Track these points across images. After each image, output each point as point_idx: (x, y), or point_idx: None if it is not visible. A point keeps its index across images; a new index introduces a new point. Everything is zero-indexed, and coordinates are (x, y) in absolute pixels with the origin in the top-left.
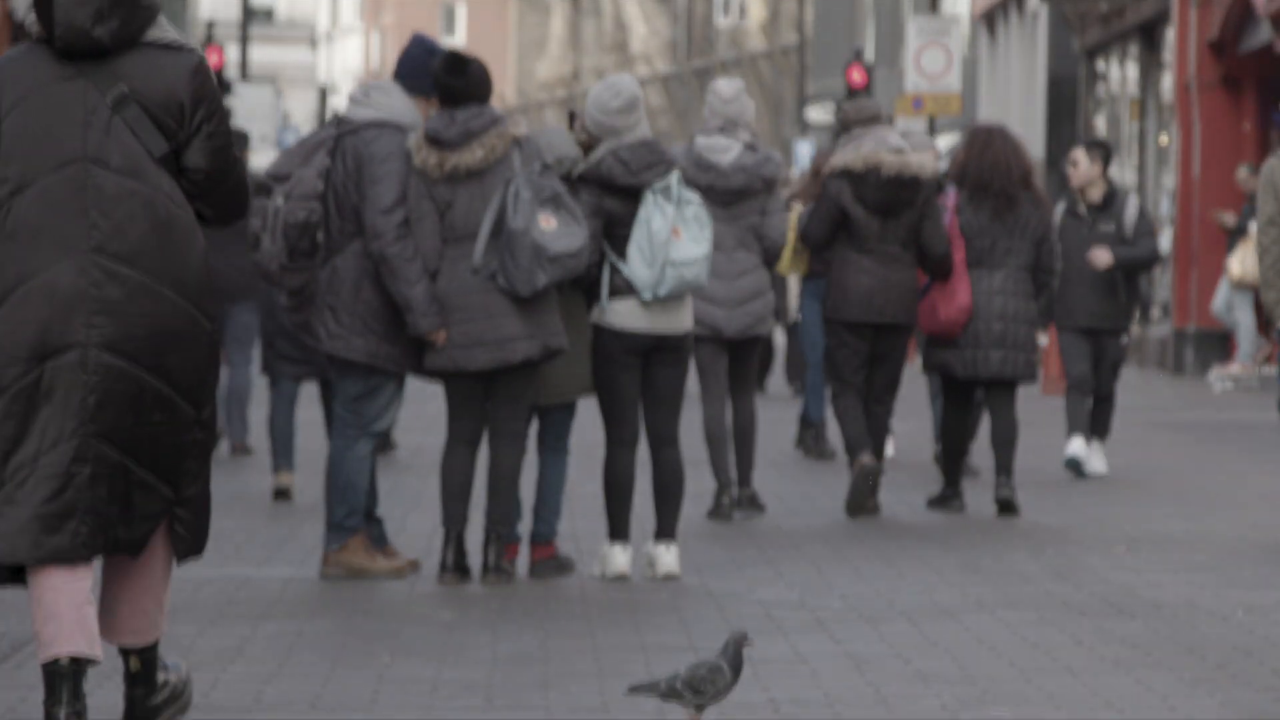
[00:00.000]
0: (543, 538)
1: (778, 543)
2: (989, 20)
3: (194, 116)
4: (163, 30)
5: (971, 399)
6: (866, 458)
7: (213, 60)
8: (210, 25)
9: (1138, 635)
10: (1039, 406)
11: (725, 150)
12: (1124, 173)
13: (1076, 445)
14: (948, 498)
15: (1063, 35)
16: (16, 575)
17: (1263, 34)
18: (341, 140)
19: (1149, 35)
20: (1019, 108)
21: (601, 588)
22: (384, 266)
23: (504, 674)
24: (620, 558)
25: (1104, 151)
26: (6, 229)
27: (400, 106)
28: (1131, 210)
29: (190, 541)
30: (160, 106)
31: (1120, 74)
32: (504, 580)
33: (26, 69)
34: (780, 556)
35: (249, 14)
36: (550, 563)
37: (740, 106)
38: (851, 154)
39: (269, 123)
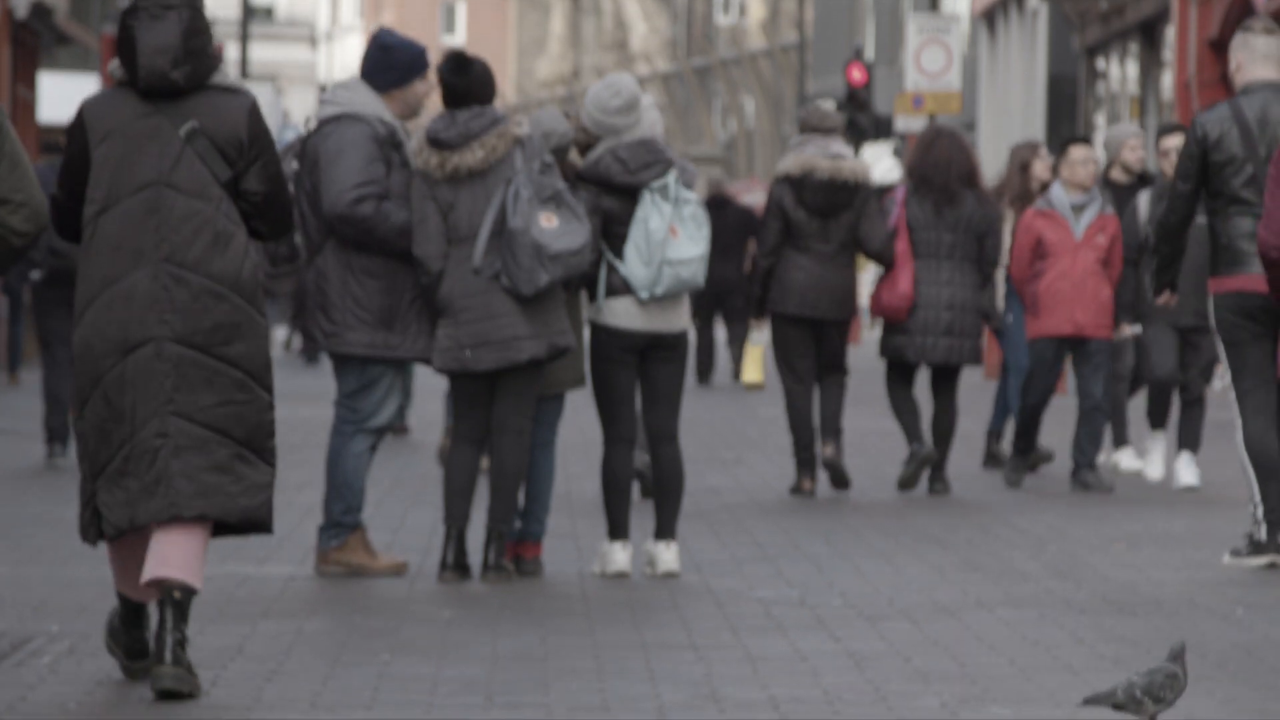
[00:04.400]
0: (533, 536)
1: (778, 541)
2: (989, 18)
3: (251, 149)
4: (223, 75)
5: (913, 379)
6: (807, 483)
7: None
8: (210, 23)
9: (1138, 633)
10: None
11: None
12: None
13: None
14: (916, 454)
15: (1063, 33)
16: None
17: None
18: (307, 141)
19: (1149, 33)
20: (1019, 106)
21: (601, 586)
22: (362, 229)
23: (504, 672)
24: (620, 556)
25: None
26: (95, 243)
27: (361, 100)
28: None
29: (271, 513)
30: (224, 140)
31: (1120, 72)
32: (504, 578)
33: (112, 108)
34: (780, 555)
35: (249, 12)
36: (538, 562)
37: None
38: (791, 160)
39: (269, 121)
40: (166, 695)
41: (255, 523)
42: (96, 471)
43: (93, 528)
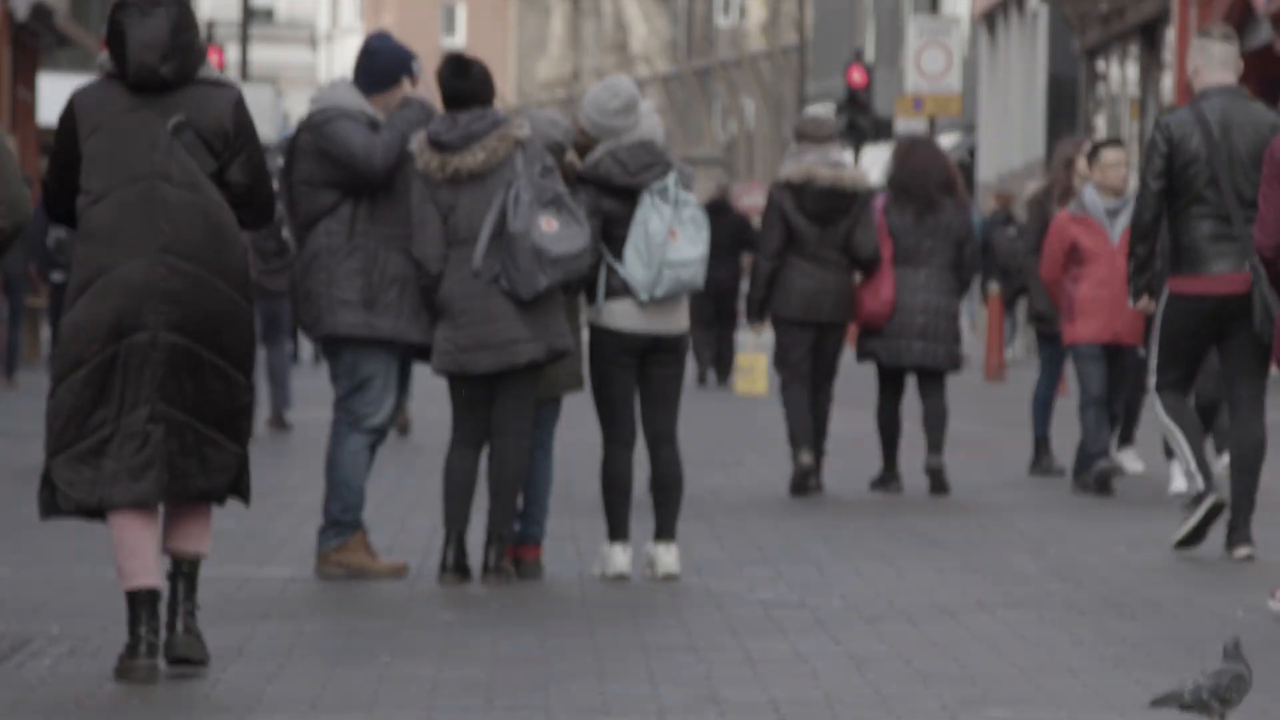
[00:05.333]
0: (533, 539)
1: (778, 543)
2: (989, 20)
3: (236, 141)
4: (208, 69)
5: (902, 390)
6: (805, 457)
7: (212, 60)
8: (210, 25)
9: (1138, 635)
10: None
11: None
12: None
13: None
14: (886, 480)
15: (1063, 35)
16: (91, 514)
17: (1263, 34)
18: (298, 137)
19: (1149, 35)
20: (1019, 108)
21: (601, 588)
22: (395, 158)
23: (504, 674)
24: (620, 558)
25: None
26: (90, 231)
27: (344, 96)
28: None
29: (248, 486)
30: (210, 132)
31: (1120, 74)
32: (504, 581)
33: (102, 101)
34: (780, 556)
35: (249, 14)
36: (538, 564)
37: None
38: (793, 167)
39: (269, 123)
40: (179, 662)
41: (218, 499)
42: (58, 449)
43: (49, 504)
